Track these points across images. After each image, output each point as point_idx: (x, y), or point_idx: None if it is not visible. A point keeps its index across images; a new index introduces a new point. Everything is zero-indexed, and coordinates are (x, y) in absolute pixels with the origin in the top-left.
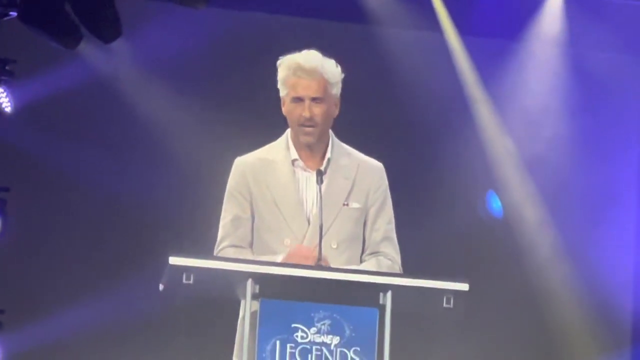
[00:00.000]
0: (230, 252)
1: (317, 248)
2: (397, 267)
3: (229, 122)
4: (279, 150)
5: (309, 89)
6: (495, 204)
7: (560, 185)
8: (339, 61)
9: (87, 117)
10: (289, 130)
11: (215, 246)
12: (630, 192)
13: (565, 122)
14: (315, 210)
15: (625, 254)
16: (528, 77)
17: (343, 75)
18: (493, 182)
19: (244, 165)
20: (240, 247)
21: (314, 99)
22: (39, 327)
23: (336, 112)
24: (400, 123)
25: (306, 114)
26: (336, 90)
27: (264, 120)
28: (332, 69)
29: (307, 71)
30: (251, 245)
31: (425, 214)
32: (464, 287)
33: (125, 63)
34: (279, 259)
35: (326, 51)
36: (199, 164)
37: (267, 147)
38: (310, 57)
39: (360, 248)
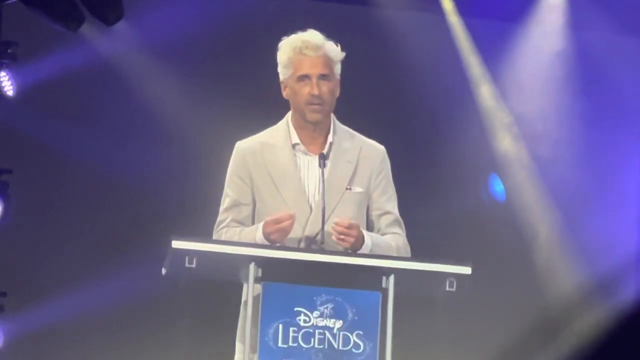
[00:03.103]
0: (227, 231)
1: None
2: (408, 248)
3: (232, 105)
4: (280, 134)
5: (315, 66)
6: (498, 187)
7: (561, 167)
8: (340, 43)
9: (90, 100)
10: (289, 114)
11: (214, 228)
12: (634, 174)
13: (567, 104)
14: (317, 196)
15: (628, 233)
16: (530, 59)
17: (344, 55)
18: (495, 165)
19: (245, 149)
20: (239, 226)
21: (320, 76)
22: (40, 310)
23: (338, 92)
24: (402, 106)
25: (315, 91)
26: (337, 69)
27: (267, 103)
28: (334, 47)
29: (312, 48)
30: None
31: (427, 198)
32: (466, 270)
33: (127, 45)
34: (260, 227)
35: (328, 33)
36: (202, 147)
37: (267, 130)
38: (313, 35)
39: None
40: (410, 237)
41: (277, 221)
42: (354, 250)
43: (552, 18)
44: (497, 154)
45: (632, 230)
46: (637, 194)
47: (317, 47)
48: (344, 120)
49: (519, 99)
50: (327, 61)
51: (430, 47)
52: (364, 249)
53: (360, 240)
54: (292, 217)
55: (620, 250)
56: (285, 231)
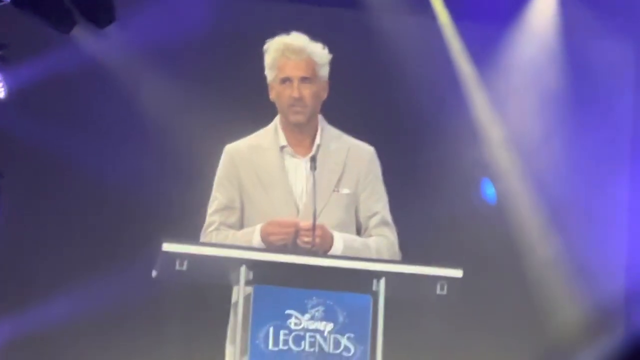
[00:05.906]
0: (217, 234)
1: (296, 220)
2: (397, 249)
3: (222, 108)
4: (268, 137)
5: (297, 69)
6: (490, 191)
7: (552, 172)
8: (330, 46)
9: (81, 103)
10: (278, 117)
11: (202, 231)
12: (623, 181)
13: (559, 108)
14: (305, 198)
15: (618, 239)
16: (522, 63)
17: (330, 57)
18: (486, 168)
19: (233, 152)
20: (230, 230)
21: (302, 79)
22: (31, 314)
23: (325, 94)
24: (393, 108)
25: (295, 94)
26: (324, 72)
27: (256, 105)
28: (319, 50)
29: (295, 51)
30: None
31: (418, 201)
32: (457, 273)
33: (119, 48)
34: (257, 229)
35: (318, 36)
36: (193, 150)
37: (256, 133)
38: (297, 38)
39: (353, 234)
40: (401, 239)
41: (281, 224)
42: (323, 252)
43: (543, 22)
44: (489, 156)
45: (622, 241)
46: (627, 203)
47: (300, 50)
48: (335, 122)
49: (510, 102)
50: (310, 64)
51: (422, 50)
52: (334, 251)
53: (329, 241)
54: (297, 226)
55: (611, 261)
56: (287, 236)
